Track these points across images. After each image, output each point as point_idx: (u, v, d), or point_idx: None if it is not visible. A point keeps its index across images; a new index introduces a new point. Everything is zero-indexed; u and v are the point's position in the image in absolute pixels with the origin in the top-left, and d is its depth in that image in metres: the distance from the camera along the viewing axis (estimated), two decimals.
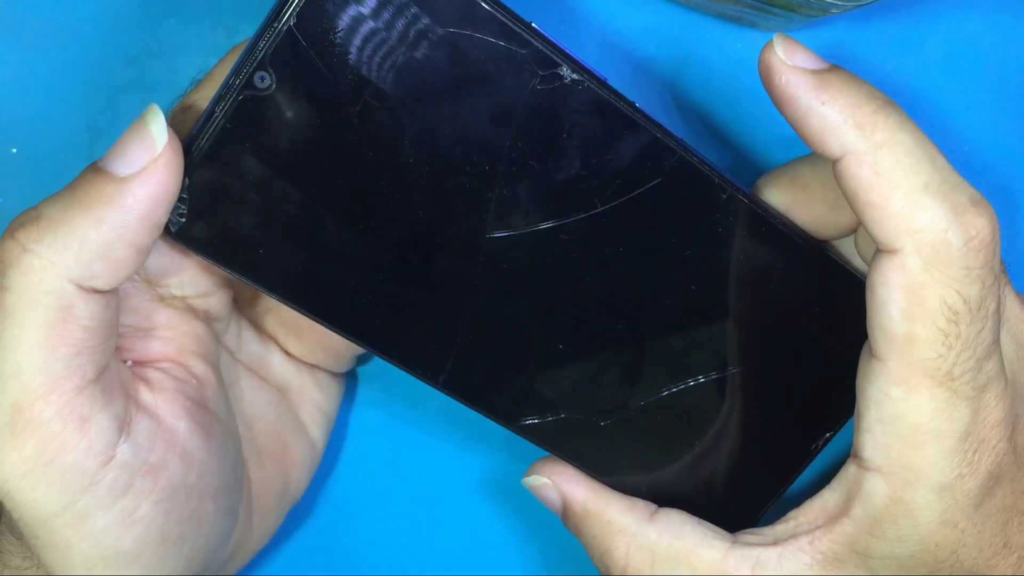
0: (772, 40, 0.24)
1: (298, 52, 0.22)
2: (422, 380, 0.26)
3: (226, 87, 0.22)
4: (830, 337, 0.28)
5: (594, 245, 0.25)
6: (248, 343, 0.29)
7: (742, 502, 0.29)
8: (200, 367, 0.26)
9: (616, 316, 0.26)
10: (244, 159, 0.23)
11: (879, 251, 0.24)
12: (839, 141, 0.23)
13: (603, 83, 0.24)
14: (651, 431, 0.28)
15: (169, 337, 0.25)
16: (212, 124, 0.23)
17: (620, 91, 0.24)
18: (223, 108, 0.22)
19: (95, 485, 0.23)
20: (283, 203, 0.24)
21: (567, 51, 0.23)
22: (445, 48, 0.22)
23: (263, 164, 0.23)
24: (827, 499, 0.27)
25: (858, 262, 0.28)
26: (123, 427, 0.23)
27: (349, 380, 0.32)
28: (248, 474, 0.28)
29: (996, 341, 0.24)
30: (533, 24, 0.23)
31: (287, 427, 0.29)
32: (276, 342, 0.29)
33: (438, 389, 0.26)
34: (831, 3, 0.26)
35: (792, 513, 0.27)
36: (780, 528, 0.27)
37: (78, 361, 0.22)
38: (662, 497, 0.28)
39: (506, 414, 0.27)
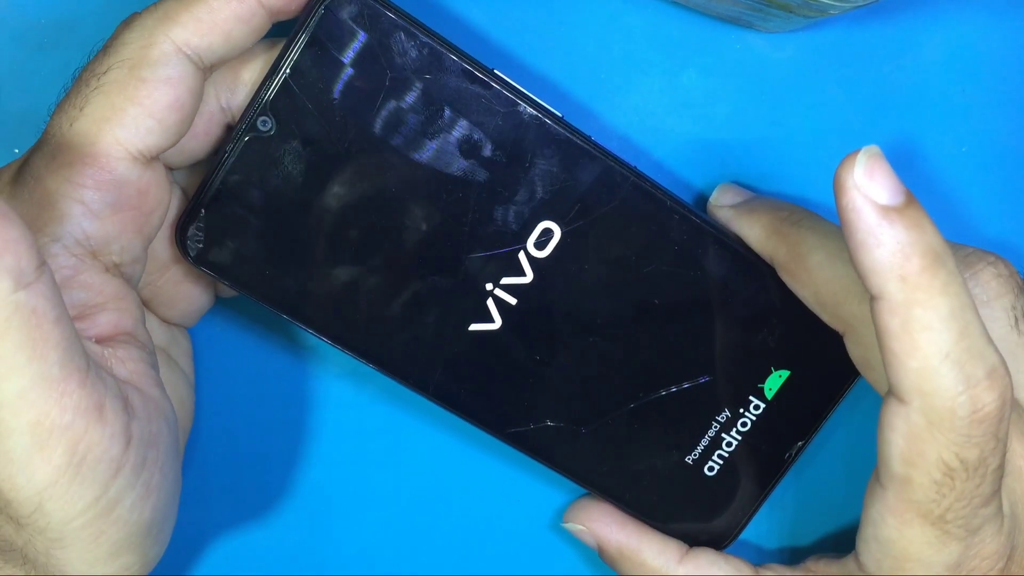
0: (857, 153, 0.23)
1: (294, 100, 0.26)
2: (413, 390, 0.28)
3: (235, 130, 0.26)
4: (793, 348, 0.29)
5: (561, 262, 0.27)
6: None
7: (720, 512, 0.30)
8: (145, 336, 0.26)
9: (585, 330, 0.28)
10: (251, 191, 0.26)
11: (891, 392, 0.24)
12: (880, 284, 0.23)
13: (559, 119, 0.27)
14: (629, 440, 0.29)
15: (121, 308, 0.25)
16: (223, 161, 0.26)
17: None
18: (232, 148, 0.26)
19: (122, 468, 0.23)
20: (284, 229, 0.27)
21: (525, 91, 0.26)
22: (418, 92, 0.26)
23: (267, 195, 0.26)
24: None
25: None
26: (126, 404, 0.23)
27: (348, 381, 0.32)
28: None
29: (996, 491, 0.25)
30: (496, 71, 0.26)
31: (184, 398, 0.29)
32: (152, 310, 0.29)
33: (428, 399, 0.28)
34: (829, 4, 0.26)
35: None
36: None
37: (69, 356, 0.22)
38: (643, 505, 0.30)
39: (492, 422, 0.29)
